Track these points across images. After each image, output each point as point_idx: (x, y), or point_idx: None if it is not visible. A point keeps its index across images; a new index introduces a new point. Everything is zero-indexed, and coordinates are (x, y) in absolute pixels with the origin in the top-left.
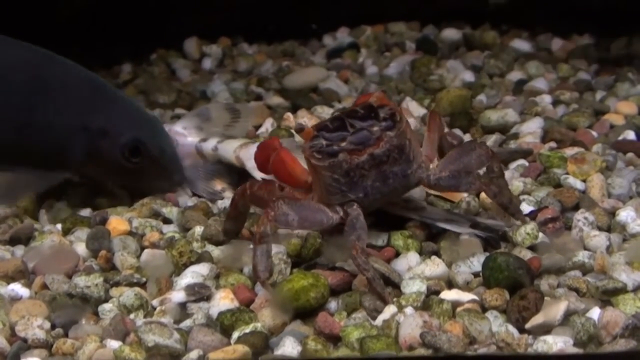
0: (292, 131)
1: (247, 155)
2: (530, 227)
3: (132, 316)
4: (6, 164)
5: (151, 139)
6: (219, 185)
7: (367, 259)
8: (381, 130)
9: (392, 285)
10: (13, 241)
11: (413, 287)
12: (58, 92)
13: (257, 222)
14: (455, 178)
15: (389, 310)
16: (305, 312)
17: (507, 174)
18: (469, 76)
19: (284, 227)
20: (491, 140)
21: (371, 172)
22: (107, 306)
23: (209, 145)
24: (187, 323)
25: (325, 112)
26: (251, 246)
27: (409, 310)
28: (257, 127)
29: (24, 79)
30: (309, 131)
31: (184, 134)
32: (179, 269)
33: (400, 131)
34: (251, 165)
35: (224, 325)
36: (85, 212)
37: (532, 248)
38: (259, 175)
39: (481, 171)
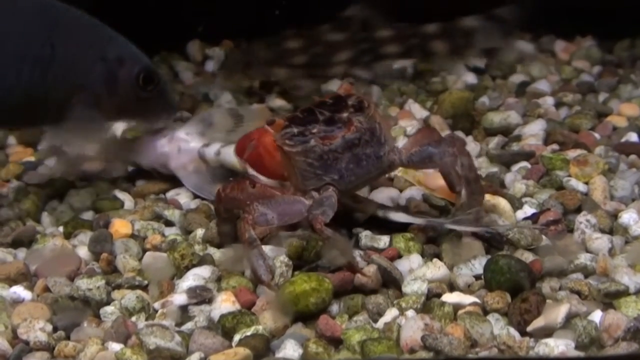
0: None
1: None
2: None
3: (133, 319)
4: (31, 111)
5: (156, 68)
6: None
7: (331, 232)
8: (350, 115)
9: (392, 282)
10: (15, 244)
11: (414, 286)
12: (74, 29)
13: (239, 230)
14: (426, 151)
15: (391, 313)
16: (306, 316)
17: (510, 176)
18: (471, 78)
19: (266, 226)
20: (493, 142)
21: (345, 155)
22: (108, 309)
23: (212, 150)
24: (188, 326)
25: None
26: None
27: (410, 313)
28: None
29: (43, 19)
30: (279, 122)
31: (187, 139)
32: (181, 271)
33: (369, 115)
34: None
35: (225, 328)
36: (88, 215)
37: (533, 250)
38: (262, 179)
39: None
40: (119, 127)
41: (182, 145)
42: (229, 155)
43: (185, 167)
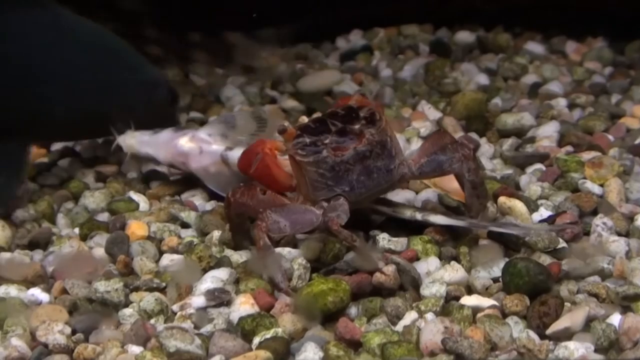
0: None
1: None
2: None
3: (152, 321)
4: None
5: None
6: None
7: (349, 233)
8: (362, 126)
9: (411, 283)
10: (32, 245)
11: (432, 289)
12: (117, 53)
13: (254, 238)
14: (435, 160)
15: (410, 316)
16: (325, 317)
17: (525, 178)
18: (483, 79)
19: (278, 235)
20: (507, 144)
21: (356, 167)
22: (127, 311)
23: (235, 154)
24: (207, 328)
25: None
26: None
27: (429, 316)
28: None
29: (93, 44)
30: (291, 131)
31: (209, 140)
32: (199, 273)
33: (380, 128)
34: None
35: (244, 331)
36: (103, 216)
37: (551, 253)
38: None
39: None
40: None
41: (204, 146)
42: None
43: (206, 169)
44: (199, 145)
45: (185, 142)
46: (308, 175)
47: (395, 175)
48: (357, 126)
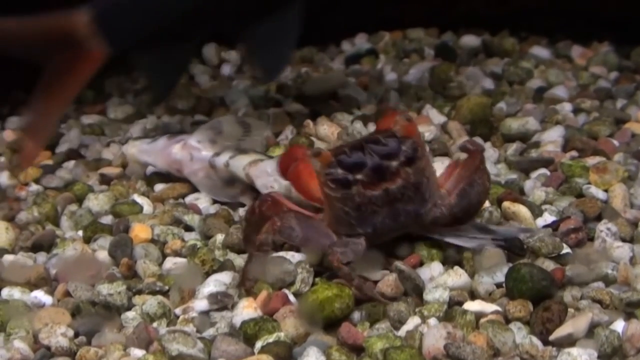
0: (312, 138)
1: (256, 173)
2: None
3: (155, 324)
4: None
5: None
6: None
7: (349, 271)
8: (399, 165)
9: (414, 289)
10: (35, 248)
11: (435, 294)
12: None
13: (262, 229)
14: (464, 197)
15: (413, 321)
16: (332, 322)
17: (529, 183)
18: (488, 83)
19: (285, 240)
20: (512, 148)
21: (383, 209)
22: (129, 314)
23: (221, 160)
24: (210, 332)
25: (345, 119)
26: (274, 255)
27: (432, 321)
28: (277, 134)
29: None
30: (326, 156)
31: (199, 147)
32: (201, 277)
33: (419, 168)
34: (260, 184)
35: (247, 335)
36: (106, 219)
37: (554, 258)
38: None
39: None
40: None
41: (194, 153)
42: (237, 167)
43: (196, 174)
44: (189, 152)
45: (177, 150)
46: (333, 208)
47: (424, 219)
48: (394, 163)
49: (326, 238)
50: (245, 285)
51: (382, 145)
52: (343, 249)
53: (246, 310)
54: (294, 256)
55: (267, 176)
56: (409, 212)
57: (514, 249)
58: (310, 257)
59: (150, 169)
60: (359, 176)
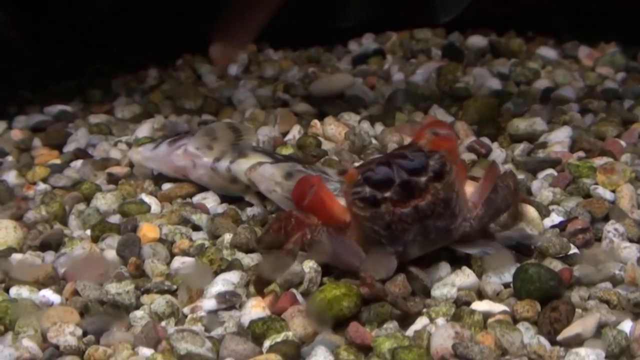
0: (319, 138)
1: (257, 177)
2: None
3: (163, 324)
4: None
5: None
6: None
7: (382, 287)
8: (428, 180)
9: (422, 290)
10: (43, 247)
11: (443, 289)
12: None
13: (289, 236)
14: (492, 206)
15: (421, 321)
16: (340, 321)
17: (536, 184)
18: (495, 84)
19: (312, 253)
20: (519, 149)
21: (414, 226)
22: (138, 313)
23: (223, 165)
24: (218, 331)
25: (352, 119)
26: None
27: (440, 321)
28: (285, 134)
29: None
30: (352, 174)
31: (199, 154)
32: (211, 276)
33: (448, 183)
34: (264, 188)
35: (255, 334)
36: (114, 218)
37: (562, 259)
38: (273, 197)
39: None
40: None
41: (196, 160)
42: (239, 172)
43: (201, 179)
44: (191, 160)
45: (180, 157)
46: (362, 227)
47: (454, 235)
48: (423, 179)
49: (356, 257)
50: (258, 288)
51: (409, 160)
52: (375, 266)
53: (254, 309)
54: (301, 255)
55: (267, 181)
56: (440, 228)
57: (521, 249)
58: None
59: (158, 171)
60: (387, 194)
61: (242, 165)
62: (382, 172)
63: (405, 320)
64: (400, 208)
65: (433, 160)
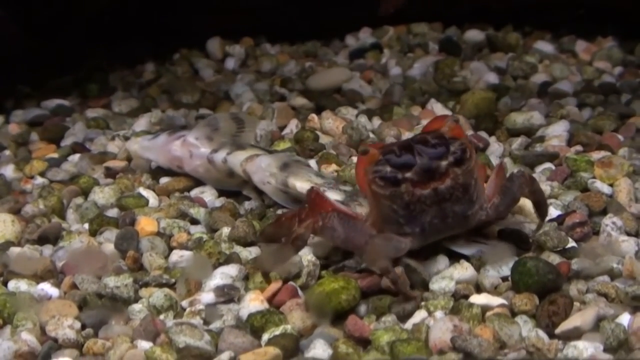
0: (317, 132)
1: (252, 169)
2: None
3: (162, 317)
4: None
5: None
6: None
7: (386, 264)
8: (449, 165)
9: (420, 283)
10: (41, 240)
11: (442, 283)
12: None
13: (297, 222)
14: (507, 194)
15: (419, 314)
16: (339, 314)
17: None
18: (493, 78)
19: (325, 239)
20: (517, 143)
21: (432, 208)
22: (136, 307)
23: (219, 157)
24: (217, 324)
25: (350, 113)
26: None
27: (439, 314)
28: (282, 128)
29: None
30: (374, 154)
31: (197, 144)
32: (212, 269)
33: (467, 169)
34: (258, 180)
35: (254, 327)
36: (112, 212)
37: (560, 252)
38: (265, 189)
39: None
40: None
41: (193, 150)
42: (234, 164)
43: (197, 170)
44: (189, 150)
45: (177, 147)
46: (381, 206)
47: (471, 222)
48: (444, 163)
49: (366, 238)
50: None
51: (431, 145)
52: (384, 242)
53: (253, 302)
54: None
55: (262, 172)
56: (457, 213)
57: (519, 241)
58: (317, 249)
59: (155, 163)
60: (408, 174)
61: (238, 157)
62: (404, 154)
63: (404, 310)
64: (420, 189)
65: (454, 147)
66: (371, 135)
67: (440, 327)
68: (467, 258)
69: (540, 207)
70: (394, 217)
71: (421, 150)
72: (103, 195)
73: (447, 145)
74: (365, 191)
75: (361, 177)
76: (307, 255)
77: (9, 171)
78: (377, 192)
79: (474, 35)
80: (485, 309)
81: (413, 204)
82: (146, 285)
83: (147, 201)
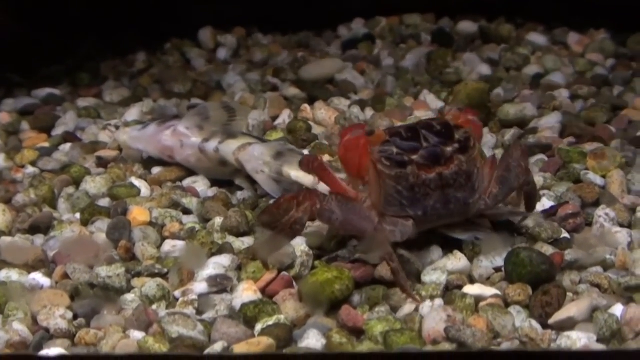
0: (310, 123)
1: (245, 157)
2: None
3: (154, 307)
4: None
5: None
6: None
7: (391, 251)
8: (454, 151)
9: (413, 274)
10: (33, 230)
11: (433, 275)
12: None
13: (294, 206)
14: (505, 184)
15: (413, 304)
16: (332, 304)
17: None
18: (485, 69)
19: (324, 223)
20: (509, 134)
21: (435, 193)
22: (129, 297)
23: (211, 146)
24: (210, 314)
25: (343, 103)
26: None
27: (432, 303)
28: (274, 119)
29: None
30: (380, 134)
31: (188, 134)
32: (206, 258)
33: (471, 157)
34: (251, 168)
35: (247, 317)
36: (104, 202)
37: (553, 243)
38: (258, 178)
39: None
40: None
41: (184, 139)
42: (226, 152)
43: (188, 160)
44: (179, 139)
45: (167, 137)
46: (385, 187)
47: (471, 209)
48: (449, 149)
49: (368, 222)
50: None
51: (436, 131)
52: (392, 228)
53: (246, 293)
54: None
55: (255, 160)
56: (459, 200)
57: (511, 229)
58: (310, 239)
59: (146, 153)
60: (414, 157)
61: (230, 146)
62: (410, 136)
63: (397, 301)
64: (425, 173)
65: (459, 134)
66: None
67: (434, 318)
68: (461, 248)
69: (530, 199)
70: (397, 198)
71: (427, 135)
72: (95, 184)
73: (452, 132)
74: (351, 171)
75: (350, 157)
76: (300, 246)
77: (0, 160)
78: (383, 171)
79: (467, 26)
80: (478, 299)
81: (418, 186)
82: (138, 275)
83: (139, 191)
